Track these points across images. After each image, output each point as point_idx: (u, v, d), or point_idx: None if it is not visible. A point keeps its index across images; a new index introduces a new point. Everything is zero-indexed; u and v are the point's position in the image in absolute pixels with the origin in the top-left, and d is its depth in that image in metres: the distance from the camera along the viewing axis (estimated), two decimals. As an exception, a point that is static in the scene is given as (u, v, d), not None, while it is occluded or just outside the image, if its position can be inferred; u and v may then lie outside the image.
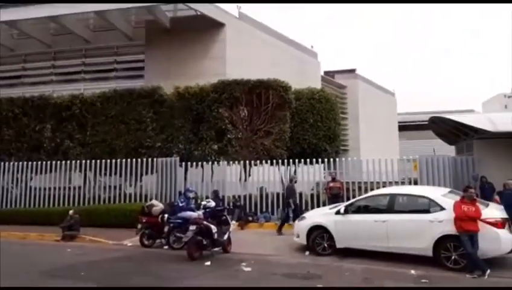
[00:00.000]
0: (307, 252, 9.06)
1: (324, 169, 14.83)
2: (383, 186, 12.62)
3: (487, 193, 11.39)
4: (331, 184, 13.09)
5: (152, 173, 14.92)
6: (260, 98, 15.28)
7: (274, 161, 14.51)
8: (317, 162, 14.23)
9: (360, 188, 13.55)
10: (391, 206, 8.31)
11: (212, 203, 9.70)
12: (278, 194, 14.21)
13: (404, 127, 48.82)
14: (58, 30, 22.67)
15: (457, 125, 13.93)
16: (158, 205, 10.83)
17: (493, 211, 7.69)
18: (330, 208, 9.47)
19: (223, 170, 15.24)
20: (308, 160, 14.28)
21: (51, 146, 16.36)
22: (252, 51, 26.72)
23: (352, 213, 8.68)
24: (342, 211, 8.73)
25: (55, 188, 15.50)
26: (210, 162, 15.09)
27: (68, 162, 15.41)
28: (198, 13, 21.68)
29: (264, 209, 14.12)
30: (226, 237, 9.22)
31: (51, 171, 15.54)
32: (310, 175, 14.63)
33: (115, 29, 21.62)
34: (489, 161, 12.66)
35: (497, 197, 10.43)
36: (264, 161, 14.53)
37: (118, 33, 22.06)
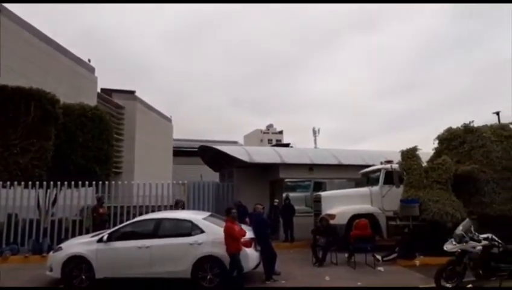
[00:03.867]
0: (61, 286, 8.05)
1: (94, 193, 13.77)
2: (153, 211, 12.67)
3: (241, 215, 12.97)
4: (101, 210, 12.13)
5: None
6: (18, 109, 13.08)
7: (30, 182, 12.50)
8: (83, 185, 13.05)
9: (128, 212, 13.15)
10: (156, 231, 8.33)
11: None
12: (31, 222, 12.25)
13: (178, 152, 51.04)
14: None
15: (221, 155, 15.57)
16: None
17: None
18: (92, 236, 8.77)
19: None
20: (73, 183, 12.94)
21: None
22: (15, 53, 23.02)
23: (116, 240, 8.25)
24: (105, 238, 8.21)
25: None
26: None
27: None
28: None
29: (11, 240, 11.87)
30: None
31: None
32: (74, 199, 13.25)
33: None
34: (246, 187, 14.69)
35: (247, 220, 12.05)
36: (16, 183, 12.32)
37: None
